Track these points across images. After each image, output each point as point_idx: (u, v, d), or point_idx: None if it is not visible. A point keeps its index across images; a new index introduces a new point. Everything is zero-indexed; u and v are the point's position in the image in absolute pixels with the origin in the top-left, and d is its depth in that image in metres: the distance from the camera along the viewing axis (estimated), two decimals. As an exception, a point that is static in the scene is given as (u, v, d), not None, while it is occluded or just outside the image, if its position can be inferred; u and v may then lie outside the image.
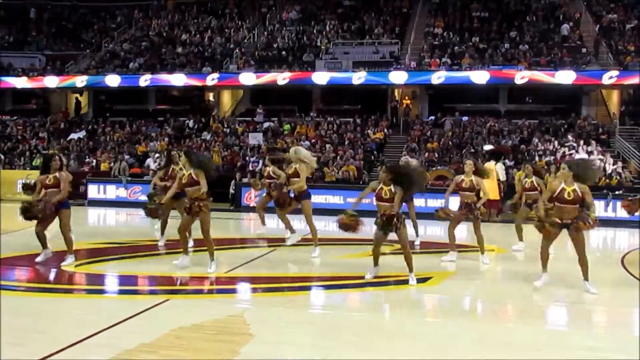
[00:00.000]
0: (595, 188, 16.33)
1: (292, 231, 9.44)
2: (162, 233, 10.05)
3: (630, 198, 10.08)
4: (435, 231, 11.98)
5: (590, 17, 26.55)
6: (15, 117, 28.36)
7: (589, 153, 19.22)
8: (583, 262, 7.11)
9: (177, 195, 8.63)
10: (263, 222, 9.84)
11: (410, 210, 10.31)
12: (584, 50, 24.38)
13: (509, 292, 7.25)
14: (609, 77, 21.81)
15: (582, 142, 20.27)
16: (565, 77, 22.22)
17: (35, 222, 8.19)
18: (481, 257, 9.00)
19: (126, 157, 21.07)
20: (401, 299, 7.16)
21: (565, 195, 6.93)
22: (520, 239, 10.16)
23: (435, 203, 14.19)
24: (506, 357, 4.90)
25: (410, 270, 7.54)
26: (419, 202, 14.88)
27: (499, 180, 15.30)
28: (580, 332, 5.79)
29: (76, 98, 28.89)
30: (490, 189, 13.57)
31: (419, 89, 25.63)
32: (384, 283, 7.76)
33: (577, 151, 19.36)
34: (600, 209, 15.14)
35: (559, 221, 6.97)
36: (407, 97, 26.14)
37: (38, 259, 8.34)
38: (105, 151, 22.65)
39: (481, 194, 8.90)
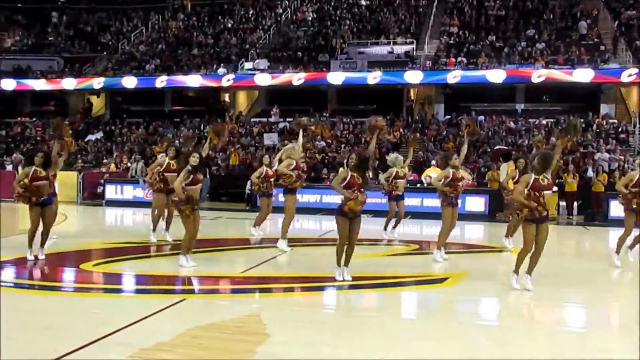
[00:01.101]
0: (612, 187, 16.12)
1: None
2: (166, 229, 10.58)
3: None
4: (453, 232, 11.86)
5: (608, 14, 26.21)
6: (34, 119, 28.78)
7: (609, 151, 18.97)
8: (538, 256, 7.02)
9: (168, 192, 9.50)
10: None
11: (399, 208, 10.91)
12: (602, 47, 24.05)
13: (525, 293, 7.16)
14: (628, 74, 21.49)
15: (600, 140, 20.01)
16: (583, 75, 21.95)
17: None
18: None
19: (138, 157, 21.21)
20: (417, 300, 7.13)
21: (540, 182, 6.89)
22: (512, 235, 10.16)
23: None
24: (521, 357, 4.85)
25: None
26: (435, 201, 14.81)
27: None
28: (595, 334, 5.72)
29: (88, 99, 29.21)
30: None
31: (434, 89, 25.50)
32: (399, 284, 7.73)
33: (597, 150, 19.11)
34: (615, 208, 14.92)
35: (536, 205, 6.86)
36: (423, 99, 26.03)
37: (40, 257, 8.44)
38: (122, 152, 22.83)
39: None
